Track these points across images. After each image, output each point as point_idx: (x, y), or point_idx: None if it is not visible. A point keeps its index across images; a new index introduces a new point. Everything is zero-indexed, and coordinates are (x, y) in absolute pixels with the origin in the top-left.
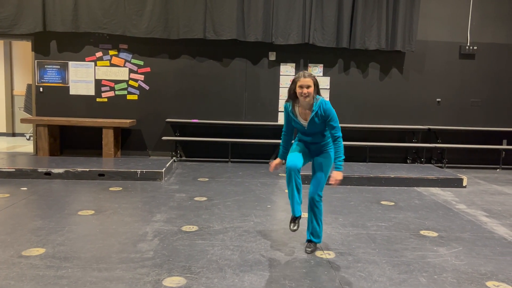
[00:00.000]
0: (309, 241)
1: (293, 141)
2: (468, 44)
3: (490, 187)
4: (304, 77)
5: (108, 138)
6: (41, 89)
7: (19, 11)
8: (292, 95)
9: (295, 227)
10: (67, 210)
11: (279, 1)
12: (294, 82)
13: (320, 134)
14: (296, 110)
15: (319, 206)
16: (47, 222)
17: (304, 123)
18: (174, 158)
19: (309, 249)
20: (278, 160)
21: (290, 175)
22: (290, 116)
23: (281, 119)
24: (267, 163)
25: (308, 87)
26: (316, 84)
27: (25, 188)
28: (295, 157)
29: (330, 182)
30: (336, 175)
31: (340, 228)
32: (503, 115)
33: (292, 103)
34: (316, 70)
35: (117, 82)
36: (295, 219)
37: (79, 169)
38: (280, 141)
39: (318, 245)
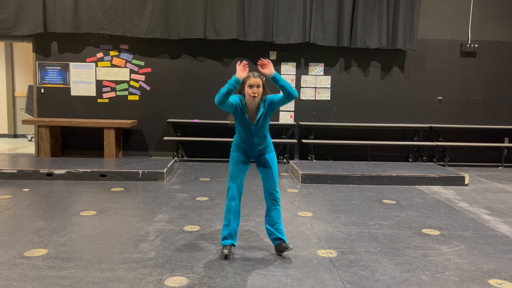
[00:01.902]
0: (281, 240)
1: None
2: (469, 42)
3: (492, 185)
4: (254, 76)
5: (109, 139)
6: (42, 90)
7: (20, 12)
8: (241, 93)
9: (227, 251)
10: (69, 211)
11: (280, 0)
12: (242, 82)
13: (263, 133)
14: (245, 108)
15: (279, 201)
16: (49, 223)
17: (252, 123)
18: (175, 158)
19: (291, 246)
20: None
21: (230, 206)
22: (238, 109)
23: (282, 119)
24: None
25: (258, 86)
26: (264, 85)
27: (27, 189)
28: (237, 180)
29: (262, 62)
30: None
31: (342, 227)
32: (504, 113)
33: (242, 98)
34: (317, 69)
35: (118, 82)
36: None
37: (80, 170)
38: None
39: (318, 244)
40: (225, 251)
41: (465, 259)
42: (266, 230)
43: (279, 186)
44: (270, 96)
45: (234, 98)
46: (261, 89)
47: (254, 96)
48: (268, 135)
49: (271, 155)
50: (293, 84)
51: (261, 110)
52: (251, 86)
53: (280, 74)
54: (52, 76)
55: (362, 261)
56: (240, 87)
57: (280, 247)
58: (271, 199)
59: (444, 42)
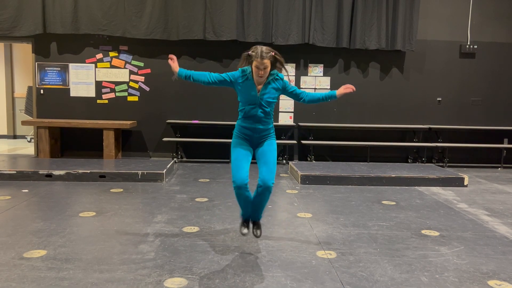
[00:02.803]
0: (256, 223)
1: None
2: (468, 43)
3: (492, 186)
4: (262, 58)
5: (108, 140)
6: (41, 91)
7: (19, 13)
8: (246, 64)
9: (246, 230)
10: (68, 212)
11: (279, 1)
12: (250, 56)
13: (270, 109)
14: (253, 79)
15: (269, 194)
16: (48, 224)
17: (258, 93)
18: (175, 159)
19: (259, 232)
20: (176, 65)
21: (240, 194)
22: (243, 81)
23: (281, 119)
24: None
25: (264, 68)
26: (273, 62)
27: (26, 190)
28: (241, 170)
29: (348, 90)
30: (343, 89)
31: (342, 228)
32: (503, 114)
33: (250, 70)
34: (316, 70)
35: (117, 83)
36: (247, 222)
37: (80, 171)
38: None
39: (318, 245)
40: (244, 231)
41: (465, 260)
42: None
43: (279, 187)
44: (285, 81)
45: (242, 71)
46: (268, 69)
47: (261, 77)
48: (272, 120)
49: (273, 142)
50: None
51: (270, 85)
52: (258, 68)
53: None
54: (52, 77)
55: (361, 262)
56: (245, 62)
57: (253, 230)
58: (264, 190)
59: (443, 43)
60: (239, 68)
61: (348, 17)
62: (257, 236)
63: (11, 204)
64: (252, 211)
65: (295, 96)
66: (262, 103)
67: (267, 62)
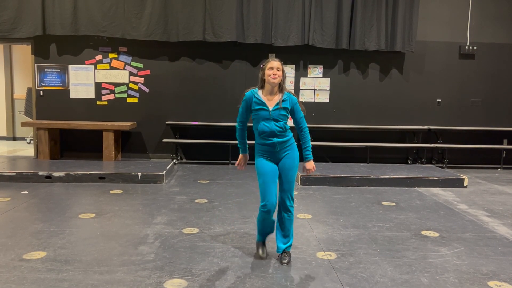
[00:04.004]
0: (285, 251)
1: (255, 157)
2: (468, 44)
3: (491, 187)
4: (274, 60)
5: (108, 141)
6: (41, 93)
7: (19, 15)
8: (261, 82)
9: (262, 252)
10: (68, 213)
11: (278, 2)
12: (263, 68)
13: (283, 123)
14: (261, 97)
15: (292, 210)
16: (48, 226)
17: (270, 108)
18: (174, 160)
19: (285, 260)
20: (242, 156)
21: (266, 219)
22: (252, 105)
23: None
24: None
25: (278, 69)
26: (283, 71)
27: (26, 192)
28: (269, 193)
29: (307, 173)
30: (309, 165)
31: (342, 229)
32: (503, 115)
33: (257, 91)
34: (316, 71)
35: (117, 85)
36: (263, 243)
37: (79, 172)
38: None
39: (318, 246)
40: (262, 254)
41: (465, 261)
42: (276, 238)
43: None
44: (295, 99)
45: (248, 96)
46: (281, 72)
47: (274, 78)
48: (289, 132)
49: (295, 156)
50: (292, 86)
51: (284, 96)
52: (271, 69)
53: None
54: (51, 78)
55: (361, 263)
56: (261, 73)
57: (281, 258)
58: (284, 207)
59: (443, 44)
60: (246, 93)
61: (347, 18)
62: (283, 263)
63: (11, 206)
64: (278, 239)
65: (297, 121)
66: (274, 117)
67: (278, 63)
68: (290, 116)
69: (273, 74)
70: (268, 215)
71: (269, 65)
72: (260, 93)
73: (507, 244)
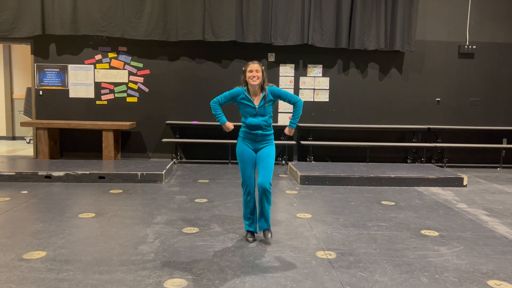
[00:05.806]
0: (265, 230)
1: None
2: (467, 44)
3: (491, 186)
4: (253, 63)
5: (108, 141)
6: (40, 92)
7: (18, 14)
8: (244, 83)
9: (252, 239)
10: (68, 213)
11: (278, 2)
12: (244, 71)
13: (268, 117)
14: (249, 95)
15: (270, 195)
16: (48, 225)
17: (256, 105)
18: (174, 160)
19: (269, 235)
20: (227, 124)
21: (247, 201)
22: (240, 99)
23: (280, 120)
24: None
25: (257, 71)
26: (263, 72)
27: (26, 192)
28: (248, 177)
29: (285, 132)
30: (287, 130)
31: (341, 229)
32: (502, 114)
33: (245, 89)
34: (316, 70)
35: (116, 84)
36: (251, 232)
37: (79, 172)
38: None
39: (318, 245)
40: (250, 239)
41: (464, 260)
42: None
43: (278, 188)
44: (273, 88)
45: (233, 92)
46: (260, 73)
47: (254, 81)
48: (271, 127)
49: (272, 148)
50: (291, 86)
51: (263, 94)
52: (251, 71)
53: (279, 75)
54: (51, 78)
55: (361, 262)
56: (242, 76)
57: (264, 235)
58: (264, 191)
59: (442, 43)
60: (236, 88)
61: (347, 17)
62: (267, 239)
63: (10, 206)
64: (260, 219)
65: (289, 100)
66: (260, 113)
67: (258, 66)
68: (282, 101)
69: (253, 77)
70: (249, 196)
71: (249, 68)
72: (247, 92)
73: (506, 243)
